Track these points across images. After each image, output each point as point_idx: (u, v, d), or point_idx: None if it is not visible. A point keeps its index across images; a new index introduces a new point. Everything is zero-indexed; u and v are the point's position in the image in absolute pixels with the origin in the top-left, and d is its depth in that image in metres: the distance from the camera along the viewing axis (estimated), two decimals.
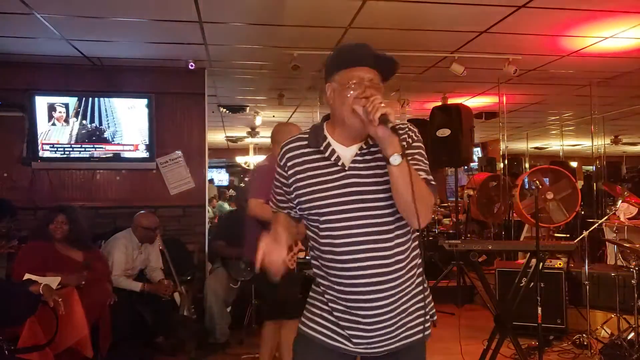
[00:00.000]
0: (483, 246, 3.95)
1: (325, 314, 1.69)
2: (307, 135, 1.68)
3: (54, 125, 5.11)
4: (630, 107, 7.64)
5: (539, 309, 3.47)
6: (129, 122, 5.24)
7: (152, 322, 4.20)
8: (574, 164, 10.92)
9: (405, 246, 1.64)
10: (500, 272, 4.90)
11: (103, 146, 5.21)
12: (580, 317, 4.69)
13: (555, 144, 12.41)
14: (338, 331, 1.66)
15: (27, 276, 3.38)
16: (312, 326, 1.70)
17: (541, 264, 3.56)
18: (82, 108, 5.15)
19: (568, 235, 6.38)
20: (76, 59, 5.04)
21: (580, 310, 4.70)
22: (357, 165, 1.59)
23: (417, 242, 1.70)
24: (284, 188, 1.71)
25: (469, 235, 7.65)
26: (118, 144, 5.24)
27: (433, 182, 1.63)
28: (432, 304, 1.76)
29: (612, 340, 4.09)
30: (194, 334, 4.39)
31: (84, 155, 5.18)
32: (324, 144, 1.63)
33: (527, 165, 10.52)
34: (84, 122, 5.16)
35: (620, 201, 4.98)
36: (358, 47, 1.61)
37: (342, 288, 1.62)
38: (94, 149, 5.20)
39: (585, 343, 4.29)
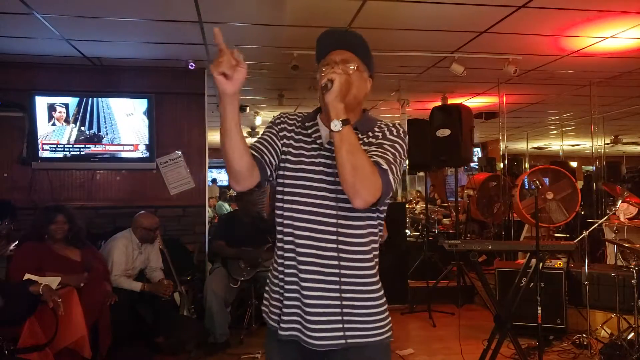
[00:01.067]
0: (483, 246, 3.94)
1: (277, 297, 1.67)
2: (303, 116, 1.77)
3: (54, 125, 5.11)
4: (630, 107, 7.64)
5: (539, 309, 3.47)
6: (128, 122, 5.24)
7: (152, 322, 4.20)
8: (574, 164, 10.91)
9: (362, 237, 1.62)
10: (500, 272, 4.90)
11: (103, 146, 5.21)
12: (580, 317, 4.69)
13: (555, 144, 12.41)
14: (284, 318, 1.63)
15: (27, 276, 3.38)
16: (271, 316, 1.70)
17: (541, 264, 3.56)
18: (82, 108, 5.15)
19: (568, 235, 6.38)
20: (76, 59, 5.04)
21: (580, 310, 4.70)
22: (332, 146, 1.55)
23: (377, 238, 1.69)
24: (273, 142, 1.70)
25: (469, 235, 7.65)
26: (118, 144, 5.24)
27: (384, 167, 1.51)
28: (385, 307, 1.67)
29: (612, 340, 4.09)
30: (194, 334, 4.39)
31: (84, 155, 5.18)
32: (311, 123, 1.71)
33: (527, 165, 10.52)
34: (83, 122, 5.16)
35: (620, 201, 4.98)
36: (324, 35, 1.68)
37: (289, 262, 1.63)
38: (94, 149, 5.20)
39: (585, 343, 4.29)
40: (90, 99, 5.16)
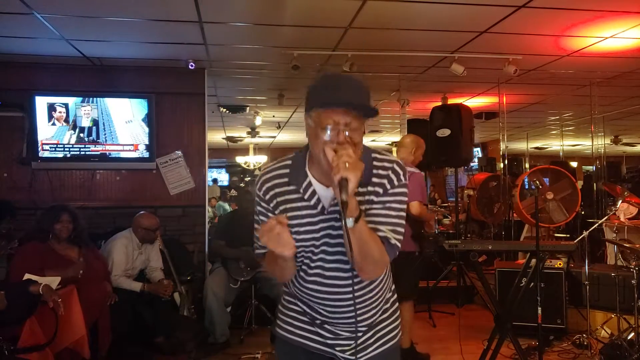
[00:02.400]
0: (483, 246, 3.94)
1: (299, 315, 1.74)
2: (288, 170, 1.61)
3: (54, 125, 5.11)
4: (630, 107, 7.64)
5: (539, 309, 3.47)
6: (129, 122, 5.24)
7: (152, 322, 4.20)
8: (574, 164, 10.91)
9: (370, 287, 1.67)
10: (500, 272, 4.90)
11: (103, 146, 5.21)
12: (580, 317, 4.69)
13: (555, 144, 12.42)
14: (313, 330, 1.72)
15: (27, 276, 3.38)
16: (290, 329, 1.75)
17: (541, 264, 3.56)
18: (82, 108, 5.15)
19: (568, 235, 6.38)
20: (76, 59, 5.04)
21: (580, 310, 4.70)
22: (337, 208, 1.54)
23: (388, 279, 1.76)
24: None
25: (469, 235, 7.65)
26: (118, 144, 5.24)
27: (394, 242, 1.55)
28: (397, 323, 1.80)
29: (612, 340, 4.09)
30: (194, 334, 4.39)
31: (84, 155, 5.18)
32: (305, 184, 1.57)
33: (527, 165, 10.52)
34: (84, 122, 5.16)
35: (620, 201, 4.98)
36: (339, 87, 1.49)
37: (308, 305, 1.71)
38: (93, 149, 5.20)
39: (585, 343, 4.29)
40: (90, 98, 5.16)
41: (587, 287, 4.41)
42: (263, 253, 1.62)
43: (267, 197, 1.62)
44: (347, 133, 1.46)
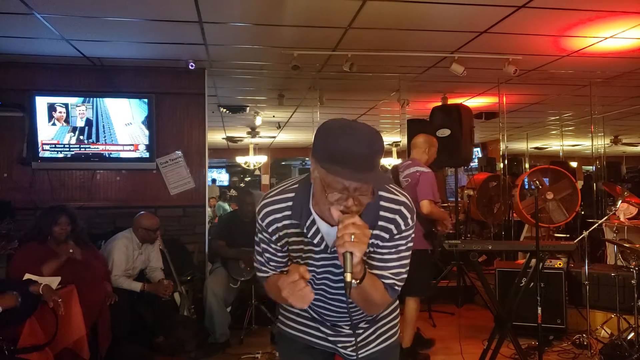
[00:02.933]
0: (483, 246, 3.94)
1: (301, 312, 1.76)
2: (290, 203, 1.54)
3: (54, 125, 5.11)
4: (630, 107, 7.64)
5: (539, 309, 3.47)
6: (129, 122, 5.24)
7: (152, 322, 4.20)
8: (574, 164, 10.92)
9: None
10: (500, 272, 4.90)
11: (103, 146, 5.21)
12: (580, 317, 4.69)
13: (555, 144, 12.41)
14: (315, 326, 1.75)
15: (27, 276, 3.38)
16: (292, 325, 1.78)
17: (541, 264, 3.56)
18: (82, 108, 5.15)
19: (568, 235, 6.38)
20: (76, 59, 5.04)
21: (580, 310, 4.70)
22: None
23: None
24: (278, 254, 1.62)
25: (469, 235, 7.65)
26: (118, 144, 5.24)
27: (397, 288, 1.55)
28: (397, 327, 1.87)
29: (612, 340, 4.09)
30: (194, 334, 4.39)
31: (84, 156, 5.18)
32: (308, 223, 1.52)
33: (527, 165, 10.52)
34: (84, 122, 5.16)
35: (620, 201, 4.98)
36: (352, 149, 1.32)
37: (311, 308, 1.74)
38: (94, 149, 5.20)
39: (585, 343, 4.29)
40: (90, 98, 5.16)
41: (587, 287, 4.41)
42: (265, 277, 1.65)
43: (270, 229, 1.58)
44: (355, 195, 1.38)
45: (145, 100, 5.24)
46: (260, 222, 1.58)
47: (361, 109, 8.00)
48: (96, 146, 5.20)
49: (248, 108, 7.69)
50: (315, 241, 1.53)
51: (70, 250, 3.67)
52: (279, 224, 1.55)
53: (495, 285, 4.84)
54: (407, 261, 1.56)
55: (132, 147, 5.26)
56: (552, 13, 3.91)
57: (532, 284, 3.60)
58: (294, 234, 1.55)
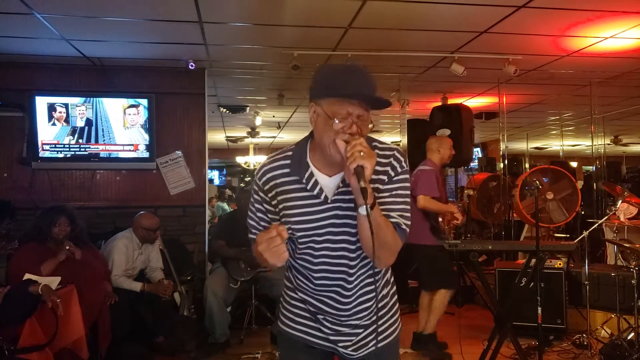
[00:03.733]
0: (483, 246, 3.94)
1: (301, 311, 1.75)
2: (289, 161, 1.61)
3: (54, 125, 5.11)
4: (630, 107, 7.64)
5: (539, 309, 3.47)
6: (129, 122, 5.24)
7: (152, 322, 4.20)
8: (574, 164, 10.92)
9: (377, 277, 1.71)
10: (500, 272, 4.90)
11: (103, 146, 5.21)
12: (580, 317, 4.69)
13: (555, 144, 12.41)
14: (315, 326, 1.73)
15: (26, 276, 3.38)
16: (292, 325, 1.77)
17: (541, 264, 3.56)
18: (82, 108, 5.15)
19: (568, 235, 6.38)
20: (76, 59, 5.04)
21: (580, 310, 4.70)
22: (339, 197, 1.57)
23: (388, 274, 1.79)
24: (269, 215, 1.65)
25: (469, 235, 7.65)
26: (118, 144, 5.24)
27: (404, 227, 1.58)
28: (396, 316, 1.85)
29: (612, 340, 4.09)
30: (194, 334, 4.39)
31: (84, 155, 5.18)
32: (307, 175, 1.58)
33: (527, 165, 10.52)
34: (84, 122, 5.16)
35: (620, 201, 4.98)
36: (353, 78, 1.50)
37: (312, 301, 1.71)
38: (94, 149, 5.20)
39: (585, 343, 4.29)
40: (90, 98, 5.15)
41: (587, 287, 4.41)
42: (254, 239, 1.62)
43: (267, 187, 1.62)
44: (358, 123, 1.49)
45: (146, 100, 5.24)
46: (257, 182, 1.64)
47: None
48: (96, 146, 5.20)
49: (248, 108, 7.69)
50: (314, 192, 1.57)
51: (67, 247, 3.66)
52: (277, 181, 1.60)
53: (495, 285, 4.84)
54: (408, 206, 1.62)
55: (132, 147, 5.26)
56: (552, 13, 3.91)
57: (532, 284, 3.60)
58: (292, 190, 1.59)
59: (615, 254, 4.91)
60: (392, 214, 1.57)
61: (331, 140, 1.49)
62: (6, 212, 4.60)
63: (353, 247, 1.61)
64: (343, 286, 1.64)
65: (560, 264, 4.70)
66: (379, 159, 1.57)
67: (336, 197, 1.57)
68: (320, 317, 1.71)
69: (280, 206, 1.62)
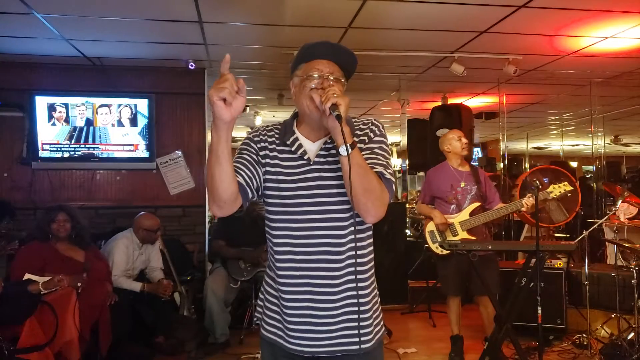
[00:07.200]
0: (483, 246, 3.94)
1: (277, 315, 1.68)
2: (278, 130, 1.71)
3: (54, 125, 5.11)
4: (630, 107, 7.64)
5: (539, 309, 3.47)
6: (129, 122, 5.24)
7: (152, 322, 4.19)
8: (574, 164, 10.92)
9: (365, 243, 1.67)
10: (500, 272, 4.89)
11: (103, 146, 5.21)
12: (580, 317, 4.69)
13: (555, 144, 12.42)
14: (286, 332, 1.65)
15: (27, 276, 3.38)
16: (273, 330, 1.71)
17: (541, 264, 3.55)
18: (82, 108, 5.15)
19: (568, 235, 6.38)
20: (76, 59, 5.04)
21: (580, 310, 4.70)
22: (321, 159, 1.62)
23: (371, 247, 1.71)
24: (253, 161, 1.65)
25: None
26: (118, 144, 5.24)
27: (389, 177, 1.59)
28: (381, 315, 1.74)
29: (612, 340, 4.09)
30: (194, 334, 4.39)
31: (84, 155, 5.18)
32: (292, 139, 1.65)
33: (527, 165, 10.52)
34: (84, 122, 5.16)
35: (620, 201, 4.98)
36: (319, 43, 1.65)
37: (292, 281, 1.62)
38: (94, 149, 5.20)
39: (585, 343, 4.29)
40: (90, 98, 5.15)
41: (587, 287, 4.41)
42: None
43: (256, 139, 1.69)
44: (331, 78, 1.59)
45: (146, 99, 5.24)
46: (249, 137, 1.71)
47: (361, 108, 8.00)
48: (96, 146, 5.20)
49: (248, 108, 7.69)
50: (298, 154, 1.63)
51: (79, 285, 3.54)
52: (266, 143, 1.68)
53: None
54: (390, 167, 1.65)
55: (132, 147, 5.26)
56: (552, 13, 3.91)
57: (532, 284, 3.60)
58: (278, 151, 1.66)
59: (615, 254, 4.90)
60: (376, 166, 1.59)
61: (308, 98, 1.57)
62: (6, 212, 4.60)
63: (342, 215, 1.58)
64: (337, 224, 1.59)
65: (560, 264, 4.70)
66: (358, 126, 1.67)
67: (319, 159, 1.62)
68: (297, 305, 1.62)
69: (265, 169, 1.64)
